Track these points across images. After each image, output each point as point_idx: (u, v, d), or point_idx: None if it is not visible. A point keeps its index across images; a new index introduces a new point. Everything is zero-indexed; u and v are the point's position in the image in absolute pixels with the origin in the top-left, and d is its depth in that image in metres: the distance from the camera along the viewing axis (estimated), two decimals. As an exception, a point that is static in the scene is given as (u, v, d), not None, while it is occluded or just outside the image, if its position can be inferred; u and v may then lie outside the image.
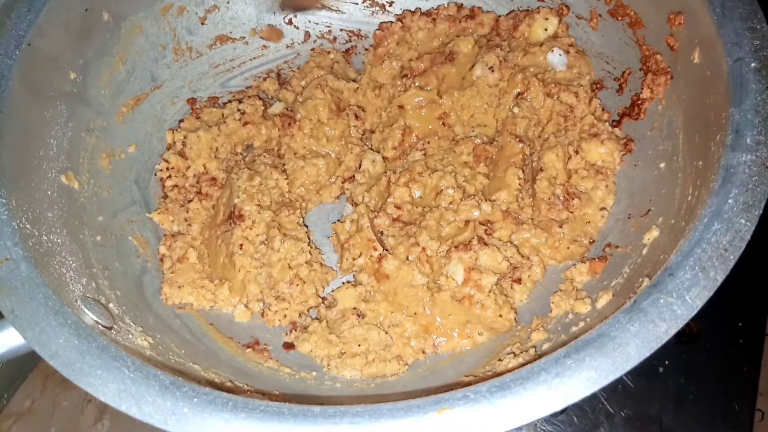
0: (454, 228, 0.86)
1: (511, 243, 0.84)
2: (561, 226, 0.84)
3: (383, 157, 0.99)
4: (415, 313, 0.82)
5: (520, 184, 0.87)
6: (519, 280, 0.82)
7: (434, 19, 1.06)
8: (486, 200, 0.86)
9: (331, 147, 0.99)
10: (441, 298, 0.81)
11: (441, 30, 1.03)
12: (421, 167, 0.92)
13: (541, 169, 0.86)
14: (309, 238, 0.90)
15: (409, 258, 0.84)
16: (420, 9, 1.07)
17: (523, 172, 0.89)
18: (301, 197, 0.97)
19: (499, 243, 0.83)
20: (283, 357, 0.83)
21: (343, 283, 0.87)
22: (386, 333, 0.82)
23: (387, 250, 0.86)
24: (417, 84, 1.00)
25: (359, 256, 0.87)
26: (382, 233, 0.88)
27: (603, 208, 0.84)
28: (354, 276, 0.88)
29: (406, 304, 0.83)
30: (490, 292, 0.80)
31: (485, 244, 0.82)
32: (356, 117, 1.02)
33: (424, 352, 0.81)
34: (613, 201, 0.84)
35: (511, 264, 0.82)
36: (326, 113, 0.99)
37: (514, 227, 0.85)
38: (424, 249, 0.83)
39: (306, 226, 0.93)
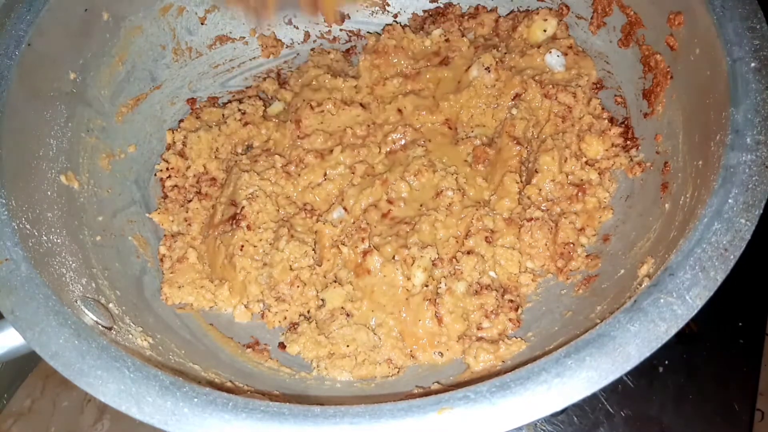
0: (450, 233, 0.86)
1: (515, 250, 0.84)
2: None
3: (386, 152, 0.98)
4: (392, 313, 0.82)
5: (519, 189, 0.87)
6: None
7: (434, 20, 1.06)
8: (488, 214, 0.86)
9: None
10: (414, 302, 0.81)
11: (436, 33, 1.02)
12: (419, 164, 0.91)
13: (537, 171, 0.86)
14: (316, 244, 0.90)
15: (395, 258, 0.84)
16: (428, 12, 1.07)
17: (521, 175, 0.89)
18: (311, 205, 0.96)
19: (501, 250, 0.84)
20: (282, 357, 0.83)
21: (330, 283, 0.87)
22: (374, 333, 0.82)
23: (373, 247, 0.86)
24: (410, 88, 1.00)
25: (344, 246, 0.86)
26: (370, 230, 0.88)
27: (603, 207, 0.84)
28: (335, 275, 0.88)
29: (384, 303, 0.83)
30: (459, 303, 0.80)
31: (469, 252, 0.82)
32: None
33: (413, 357, 0.81)
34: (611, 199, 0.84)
35: (493, 285, 0.82)
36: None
37: (517, 232, 0.85)
38: (410, 254, 0.83)
39: (315, 233, 0.91)
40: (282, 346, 0.84)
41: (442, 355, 0.80)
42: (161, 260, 0.90)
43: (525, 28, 0.98)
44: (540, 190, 0.86)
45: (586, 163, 0.87)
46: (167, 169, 0.96)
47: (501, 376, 0.50)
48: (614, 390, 0.89)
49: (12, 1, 0.75)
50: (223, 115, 1.01)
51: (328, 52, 1.09)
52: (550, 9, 0.98)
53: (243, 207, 0.88)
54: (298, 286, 0.85)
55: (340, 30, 1.11)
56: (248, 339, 0.85)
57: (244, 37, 1.07)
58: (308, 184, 0.94)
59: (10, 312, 0.58)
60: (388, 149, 0.97)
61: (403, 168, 0.92)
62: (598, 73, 0.94)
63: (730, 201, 0.56)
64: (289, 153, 0.97)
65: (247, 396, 0.52)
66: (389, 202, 0.90)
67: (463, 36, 1.02)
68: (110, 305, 0.71)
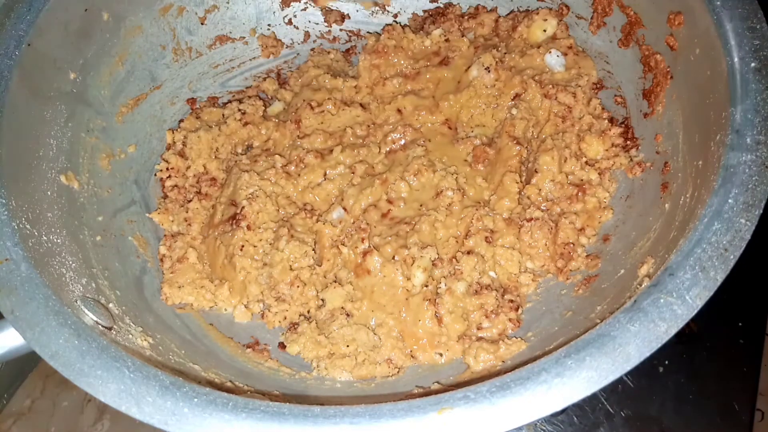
0: (450, 233, 0.86)
1: (515, 250, 0.84)
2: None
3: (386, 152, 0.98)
4: (392, 313, 0.82)
5: (519, 189, 0.87)
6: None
7: (434, 20, 1.06)
8: (488, 214, 0.86)
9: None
10: (414, 302, 0.81)
11: (436, 33, 1.02)
12: (419, 164, 0.91)
13: (536, 171, 0.86)
14: (316, 244, 0.90)
15: (395, 258, 0.84)
16: (428, 12, 1.07)
17: (521, 175, 0.89)
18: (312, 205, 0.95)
19: (501, 250, 0.84)
20: (282, 357, 0.83)
21: (330, 283, 0.86)
22: (374, 333, 0.82)
23: (373, 247, 0.86)
24: (410, 88, 1.00)
25: (344, 246, 0.86)
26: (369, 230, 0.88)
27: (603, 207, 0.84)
28: (335, 275, 0.88)
29: (384, 303, 0.83)
30: (459, 303, 0.80)
31: (469, 252, 0.82)
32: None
33: (413, 357, 0.81)
34: (610, 199, 0.84)
35: (492, 285, 0.82)
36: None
37: (517, 232, 0.85)
38: (410, 254, 0.83)
39: (315, 233, 0.91)
40: (282, 346, 0.84)
41: (442, 355, 0.80)
42: (161, 260, 0.90)
43: (525, 28, 0.98)
44: (540, 190, 0.86)
45: (586, 163, 0.87)
46: (167, 169, 0.96)
47: (501, 376, 0.50)
48: (614, 390, 0.89)
49: (12, 1, 0.75)
50: (223, 115, 1.01)
51: (328, 52, 1.09)
52: (550, 9, 0.98)
53: (243, 207, 0.88)
54: (298, 286, 0.85)
55: (340, 30, 1.11)
56: (248, 339, 0.85)
57: (244, 37, 1.07)
58: (308, 184, 0.94)
59: (10, 312, 0.58)
60: (388, 149, 0.97)
61: (403, 168, 0.92)
62: (598, 73, 0.94)
63: (730, 201, 0.57)
64: (289, 153, 0.97)
65: (247, 396, 0.52)
66: (389, 201, 0.90)
67: (463, 36, 1.02)
68: (110, 305, 0.71)
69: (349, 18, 1.11)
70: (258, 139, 1.01)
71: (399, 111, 0.99)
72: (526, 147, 0.91)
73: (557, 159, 0.86)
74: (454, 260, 0.83)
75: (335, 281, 0.86)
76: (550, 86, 0.91)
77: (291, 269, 0.86)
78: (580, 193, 0.84)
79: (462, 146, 0.95)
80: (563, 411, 0.88)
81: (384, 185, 0.91)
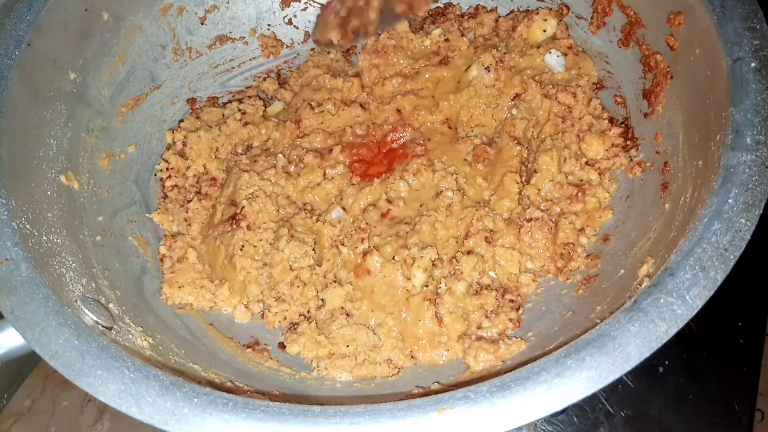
0: (450, 233, 0.86)
1: (515, 250, 0.84)
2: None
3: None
4: (392, 313, 0.82)
5: (519, 189, 0.87)
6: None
7: (434, 20, 1.06)
8: (488, 214, 0.86)
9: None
10: (414, 302, 0.81)
11: (436, 33, 1.02)
12: (418, 163, 0.91)
13: (536, 171, 0.86)
14: (315, 244, 0.90)
15: (395, 258, 0.84)
16: (428, 12, 1.07)
17: (521, 175, 0.89)
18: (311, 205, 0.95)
19: (501, 250, 0.83)
20: (282, 357, 0.83)
21: (330, 283, 0.86)
22: (374, 333, 0.82)
23: (373, 247, 0.86)
24: (409, 88, 1.00)
25: (344, 246, 0.86)
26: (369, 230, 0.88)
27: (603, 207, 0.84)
28: (335, 275, 0.88)
29: (384, 303, 0.83)
30: (459, 304, 0.80)
31: (469, 253, 0.82)
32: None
33: (413, 357, 0.81)
34: (610, 199, 0.84)
35: (492, 285, 0.82)
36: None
37: (517, 232, 0.84)
38: (410, 254, 0.83)
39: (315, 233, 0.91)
40: (282, 346, 0.84)
41: (442, 355, 0.80)
42: (161, 260, 0.90)
43: (525, 28, 0.98)
44: (539, 190, 0.86)
45: (586, 163, 0.87)
46: (167, 169, 0.96)
47: (501, 376, 0.50)
48: (614, 390, 0.89)
49: (12, 1, 0.75)
50: (223, 115, 1.01)
51: (328, 52, 1.09)
52: (550, 9, 0.98)
53: (243, 207, 0.88)
54: (298, 286, 0.85)
55: (340, 30, 1.11)
56: (248, 339, 0.85)
57: (244, 37, 1.07)
58: (308, 184, 0.94)
59: (10, 312, 0.58)
60: (388, 149, 0.97)
61: (402, 167, 0.92)
62: (598, 73, 0.94)
63: (730, 201, 0.57)
64: (289, 153, 0.97)
65: (247, 396, 0.52)
66: (388, 201, 0.90)
67: (462, 36, 1.02)
68: (110, 305, 0.71)
69: (349, 18, 1.11)
70: (258, 139, 1.01)
71: (398, 111, 0.99)
72: (527, 147, 0.91)
73: (557, 159, 0.86)
74: (454, 260, 0.83)
75: (335, 281, 0.86)
76: (550, 86, 0.91)
77: (291, 269, 0.86)
78: (579, 193, 0.84)
79: (462, 146, 0.95)
80: (563, 411, 0.88)
81: (383, 185, 0.91)
